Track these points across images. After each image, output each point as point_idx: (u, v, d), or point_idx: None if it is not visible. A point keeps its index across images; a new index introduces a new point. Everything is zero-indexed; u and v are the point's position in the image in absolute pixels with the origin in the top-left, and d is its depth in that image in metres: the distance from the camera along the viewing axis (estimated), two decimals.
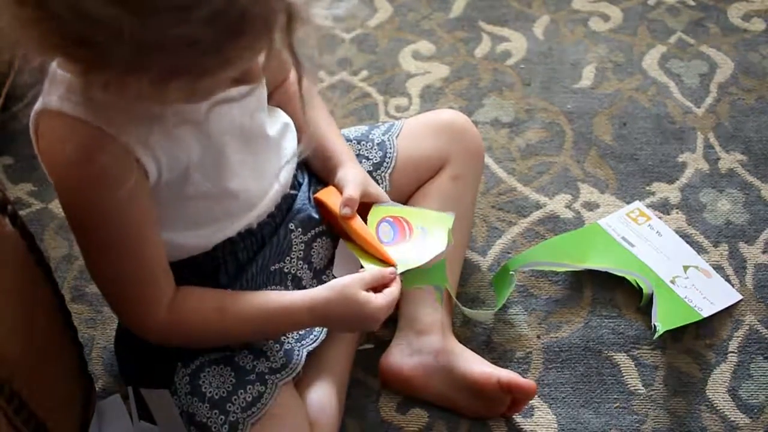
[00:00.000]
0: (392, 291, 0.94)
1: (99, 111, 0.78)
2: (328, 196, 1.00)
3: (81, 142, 0.79)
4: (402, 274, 0.96)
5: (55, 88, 0.79)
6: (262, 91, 0.94)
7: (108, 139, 0.79)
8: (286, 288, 0.99)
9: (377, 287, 0.94)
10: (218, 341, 0.95)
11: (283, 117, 1.01)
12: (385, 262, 0.96)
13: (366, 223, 0.99)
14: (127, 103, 0.76)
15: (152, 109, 0.79)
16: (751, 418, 1.05)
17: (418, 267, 0.97)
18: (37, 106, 0.81)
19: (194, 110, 0.84)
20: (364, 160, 1.07)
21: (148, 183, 0.84)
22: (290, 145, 0.99)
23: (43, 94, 0.80)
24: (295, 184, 1.01)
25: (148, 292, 0.88)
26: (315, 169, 1.04)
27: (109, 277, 0.88)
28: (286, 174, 0.98)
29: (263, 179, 0.96)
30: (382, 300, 0.92)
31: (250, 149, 0.92)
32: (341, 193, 0.98)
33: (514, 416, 1.05)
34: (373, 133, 1.10)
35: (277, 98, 1.01)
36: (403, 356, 1.06)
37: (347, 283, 0.93)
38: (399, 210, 1.02)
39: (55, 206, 1.26)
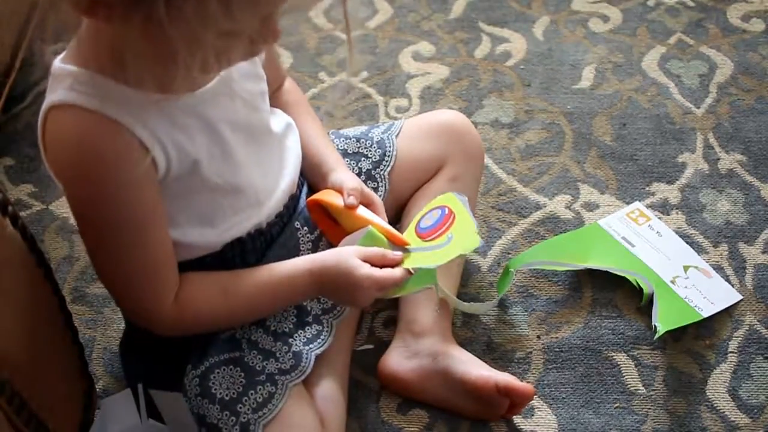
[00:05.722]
0: (392, 270, 0.92)
1: (107, 101, 0.77)
2: (325, 195, 0.98)
3: (90, 131, 0.78)
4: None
5: (60, 83, 0.79)
6: (264, 85, 0.94)
7: (117, 128, 0.78)
8: None
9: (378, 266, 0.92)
10: (228, 323, 0.95)
11: (285, 117, 1.00)
12: (397, 244, 0.95)
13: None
14: (137, 90, 0.75)
15: (158, 98, 0.78)
16: (751, 418, 1.05)
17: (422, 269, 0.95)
18: (44, 106, 0.80)
19: (198, 100, 0.84)
20: (363, 159, 1.07)
21: (156, 175, 0.83)
22: (294, 145, 0.99)
23: (47, 94, 0.79)
24: (299, 184, 1.01)
25: (154, 286, 0.87)
26: (305, 177, 1.03)
27: (116, 272, 0.87)
28: (291, 173, 0.98)
29: (268, 175, 0.95)
30: (375, 271, 0.91)
31: (254, 143, 0.92)
32: (339, 192, 0.97)
33: (514, 417, 1.05)
34: (373, 132, 1.10)
35: (274, 106, 1.00)
36: (401, 359, 1.05)
37: (343, 249, 0.93)
38: (461, 209, 0.99)
39: (56, 207, 1.26)
